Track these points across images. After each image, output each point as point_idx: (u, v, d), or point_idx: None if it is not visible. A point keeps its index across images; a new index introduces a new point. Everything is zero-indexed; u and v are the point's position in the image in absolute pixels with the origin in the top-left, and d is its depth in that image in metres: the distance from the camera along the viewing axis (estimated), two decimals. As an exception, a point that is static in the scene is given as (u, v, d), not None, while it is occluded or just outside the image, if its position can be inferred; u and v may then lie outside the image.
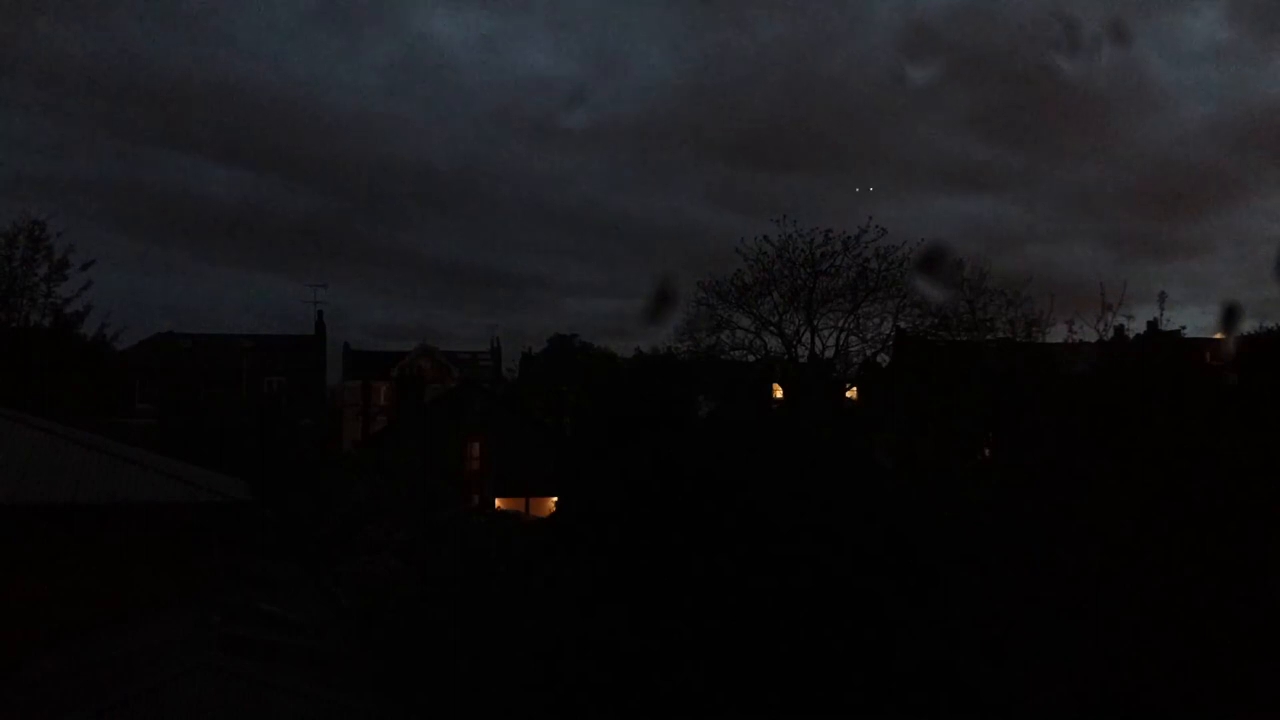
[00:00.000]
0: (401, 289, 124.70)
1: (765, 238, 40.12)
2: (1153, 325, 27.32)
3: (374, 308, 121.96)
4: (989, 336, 33.01)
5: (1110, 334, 24.20)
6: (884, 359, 42.01)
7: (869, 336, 41.83)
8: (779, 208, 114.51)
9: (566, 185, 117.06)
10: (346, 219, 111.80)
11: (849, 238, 39.89)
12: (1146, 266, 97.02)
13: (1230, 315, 19.25)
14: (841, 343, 42.05)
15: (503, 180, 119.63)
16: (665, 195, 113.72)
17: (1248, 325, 25.05)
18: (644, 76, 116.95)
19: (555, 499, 40.19)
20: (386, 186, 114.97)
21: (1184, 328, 26.93)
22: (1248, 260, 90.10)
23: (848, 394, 44.68)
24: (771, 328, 41.55)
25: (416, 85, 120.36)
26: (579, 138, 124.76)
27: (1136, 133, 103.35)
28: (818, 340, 41.72)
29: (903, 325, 40.56)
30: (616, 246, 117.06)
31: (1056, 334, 27.36)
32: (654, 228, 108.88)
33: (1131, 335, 26.31)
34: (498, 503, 47.92)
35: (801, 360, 41.72)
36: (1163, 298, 25.90)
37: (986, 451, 28.40)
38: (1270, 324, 28.96)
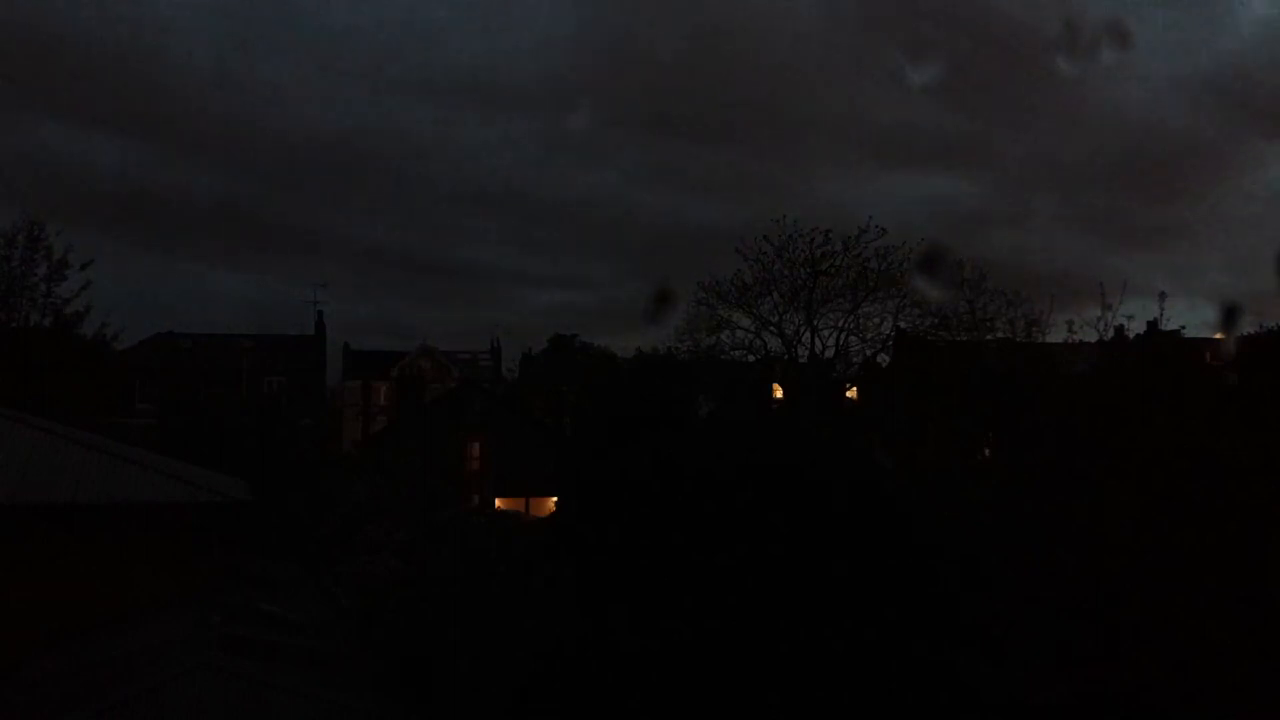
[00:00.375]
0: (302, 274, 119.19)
1: (765, 237, 40.13)
2: (1153, 325, 27.29)
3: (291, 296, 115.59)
4: (989, 336, 33.01)
5: (1110, 334, 24.20)
6: (884, 359, 41.98)
7: (869, 336, 41.83)
8: (718, 184, 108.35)
9: (476, 158, 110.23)
10: (238, 195, 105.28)
11: (849, 237, 39.92)
12: (1126, 253, 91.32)
13: (1230, 315, 19.25)
14: (841, 343, 42.04)
15: (400, 152, 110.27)
16: (588, 168, 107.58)
17: (1242, 320, 24.92)
18: (548, 28, 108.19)
19: (555, 499, 40.18)
20: (263, 157, 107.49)
21: (1184, 327, 26.93)
22: (1230, 243, 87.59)
23: (847, 394, 44.66)
24: (771, 328, 41.53)
25: (285, 38, 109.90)
26: (484, 101, 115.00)
27: (1103, 94, 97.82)
28: (818, 340, 41.70)
29: (903, 325, 40.55)
30: (541, 227, 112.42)
31: (1056, 334, 27.39)
32: (576, 204, 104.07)
33: (1131, 335, 26.30)
34: (498, 503, 47.93)
35: (801, 360, 41.68)
36: (1163, 297, 25.85)
37: (986, 451, 28.39)
38: (1270, 324, 28.97)
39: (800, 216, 40.15)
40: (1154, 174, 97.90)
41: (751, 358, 42.34)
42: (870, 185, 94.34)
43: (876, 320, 41.26)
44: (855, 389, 44.67)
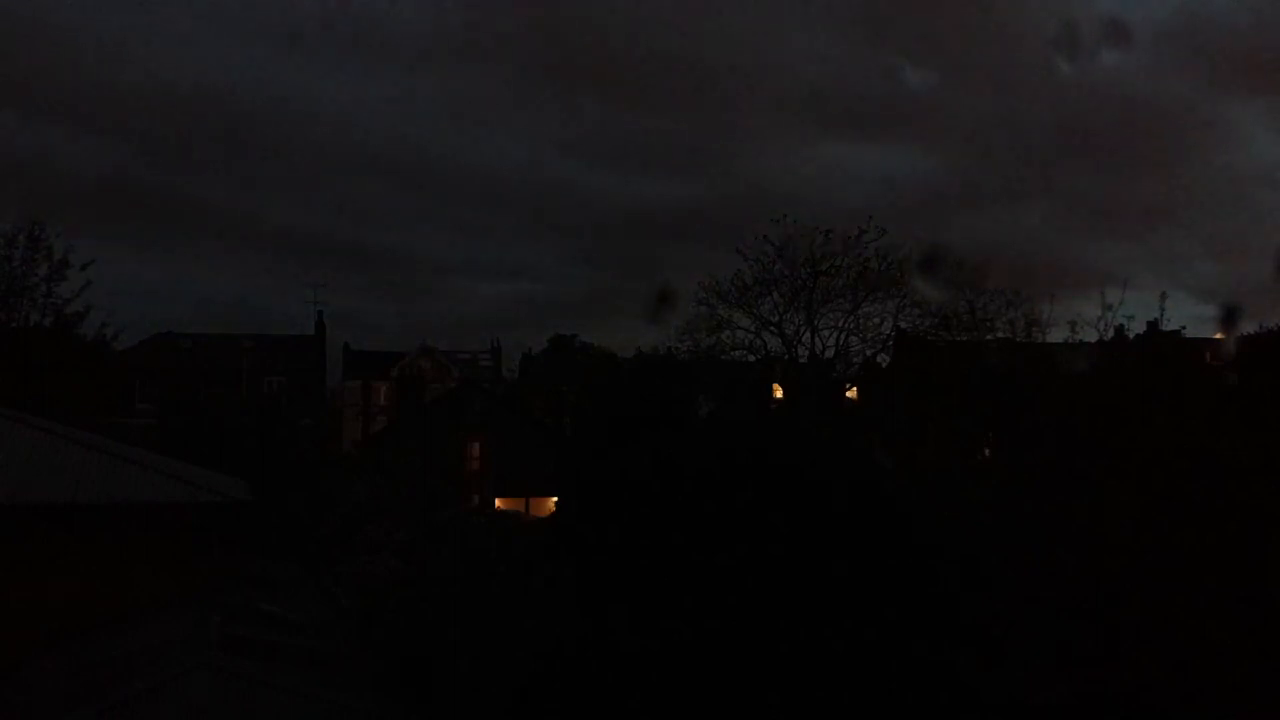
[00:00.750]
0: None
1: (765, 237, 40.17)
2: (1153, 325, 27.34)
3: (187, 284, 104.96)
4: (989, 336, 33.02)
5: (1110, 334, 24.23)
6: (884, 359, 42.01)
7: (869, 336, 41.87)
8: (650, 154, 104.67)
9: (378, 123, 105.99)
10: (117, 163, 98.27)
11: (849, 237, 39.96)
12: (1105, 242, 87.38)
13: (1230, 315, 19.28)
14: (841, 343, 42.08)
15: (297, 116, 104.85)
16: (506, 138, 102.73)
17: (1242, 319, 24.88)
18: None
19: (555, 499, 40.17)
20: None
21: (1184, 328, 27.00)
22: (1214, 229, 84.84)
23: (847, 394, 44.68)
24: (771, 328, 41.55)
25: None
26: (380, 58, 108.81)
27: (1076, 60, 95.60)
28: (818, 340, 41.75)
29: (903, 325, 40.59)
30: (450, 197, 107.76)
31: (1057, 334, 27.42)
32: (495, 177, 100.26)
33: (1131, 335, 26.34)
34: (498, 503, 47.95)
35: (801, 360, 41.70)
36: (1163, 297, 25.90)
37: (986, 451, 28.40)
38: (1270, 324, 28.99)
39: (752, 192, 39.89)
40: (1122, 143, 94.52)
41: (751, 358, 42.37)
42: (823, 158, 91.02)
43: (876, 320, 41.37)
44: (855, 389, 44.70)
